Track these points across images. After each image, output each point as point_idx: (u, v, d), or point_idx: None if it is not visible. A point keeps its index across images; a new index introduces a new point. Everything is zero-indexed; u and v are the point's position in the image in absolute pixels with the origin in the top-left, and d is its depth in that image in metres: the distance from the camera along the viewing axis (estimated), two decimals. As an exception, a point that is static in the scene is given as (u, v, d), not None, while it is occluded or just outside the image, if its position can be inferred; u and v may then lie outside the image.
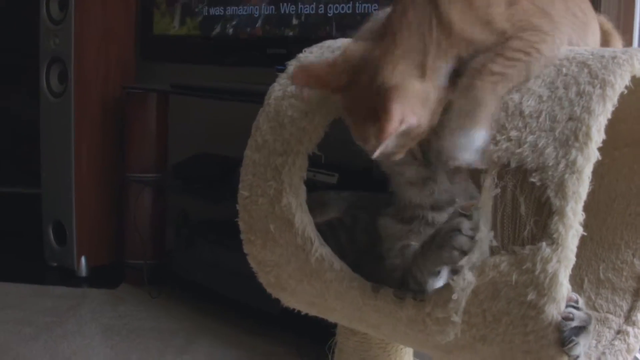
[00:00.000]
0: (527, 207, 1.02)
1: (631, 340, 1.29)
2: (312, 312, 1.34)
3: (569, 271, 0.99)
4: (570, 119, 1.03)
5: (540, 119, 1.05)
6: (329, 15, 2.39)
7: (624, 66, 1.07)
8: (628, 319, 1.31)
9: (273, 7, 2.57)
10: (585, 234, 1.34)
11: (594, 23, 1.24)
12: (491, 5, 1.08)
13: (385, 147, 1.03)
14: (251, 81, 2.46)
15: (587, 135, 1.01)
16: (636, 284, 1.33)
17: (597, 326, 1.32)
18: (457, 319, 1.06)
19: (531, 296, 0.99)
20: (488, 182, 1.05)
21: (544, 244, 0.99)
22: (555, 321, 0.99)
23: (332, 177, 2.25)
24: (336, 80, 1.09)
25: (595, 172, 1.34)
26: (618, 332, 1.30)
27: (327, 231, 1.27)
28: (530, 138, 1.04)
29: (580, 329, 1.01)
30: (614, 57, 1.09)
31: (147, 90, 2.96)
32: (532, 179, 1.01)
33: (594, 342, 1.29)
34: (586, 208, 1.37)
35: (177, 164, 2.90)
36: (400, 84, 1.02)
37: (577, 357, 1.02)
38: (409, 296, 1.13)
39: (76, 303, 2.83)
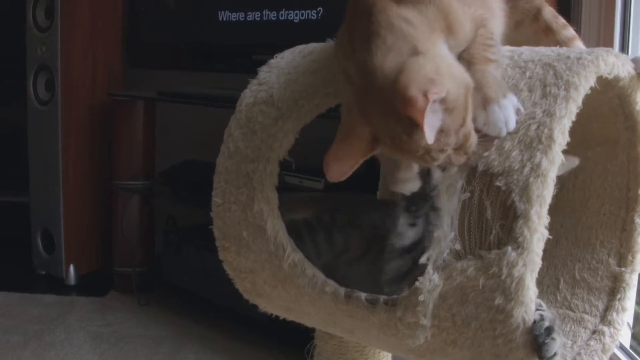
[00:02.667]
0: (493, 212, 1.02)
1: (607, 340, 1.28)
2: (289, 317, 1.34)
3: (535, 275, 0.99)
4: (534, 121, 1.03)
5: (505, 123, 1.05)
6: (312, 19, 2.40)
7: (588, 67, 1.07)
8: (604, 318, 1.31)
9: (258, 13, 2.57)
10: (559, 233, 1.38)
11: (495, 5, 1.23)
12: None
13: (433, 129, 0.96)
14: (237, 88, 2.46)
15: (551, 137, 1.01)
16: (612, 283, 1.33)
17: (572, 326, 1.32)
18: (425, 322, 1.06)
19: (498, 300, 0.99)
20: (449, 183, 1.05)
21: (509, 248, 0.99)
22: (523, 324, 0.99)
23: (318, 182, 2.25)
24: (363, 135, 1.02)
25: (569, 172, 1.35)
26: (594, 332, 1.30)
27: (305, 229, 1.27)
28: (496, 141, 1.04)
29: (551, 329, 1.01)
30: (579, 58, 1.09)
31: (134, 97, 2.96)
32: (498, 183, 1.02)
33: (569, 342, 1.29)
34: (560, 208, 1.39)
35: (164, 171, 2.89)
36: (399, 71, 0.97)
37: (555, 354, 1.02)
38: (380, 301, 1.12)
39: (65, 311, 2.83)
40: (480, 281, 1.01)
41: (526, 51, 1.16)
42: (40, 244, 3.14)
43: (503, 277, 0.99)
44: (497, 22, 1.23)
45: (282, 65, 1.33)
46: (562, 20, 1.30)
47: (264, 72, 1.34)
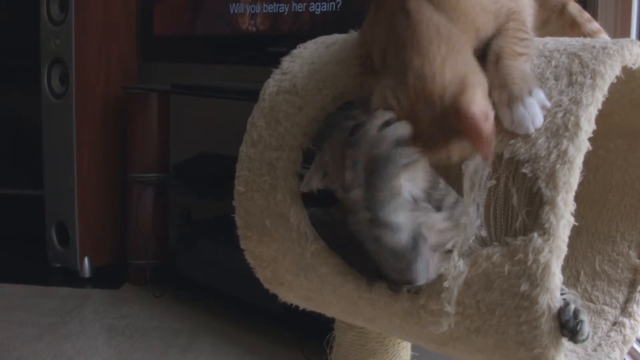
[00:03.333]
0: (519, 198, 1.03)
1: (627, 331, 1.29)
2: (309, 307, 1.34)
3: (561, 261, 1.00)
4: (560, 109, 1.04)
5: (532, 110, 1.05)
6: (328, 11, 2.40)
7: (614, 56, 1.07)
8: (624, 310, 1.31)
9: (272, 5, 2.57)
10: (580, 225, 1.38)
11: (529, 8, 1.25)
12: None
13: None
14: (251, 80, 2.47)
15: (577, 125, 1.01)
16: (632, 275, 1.33)
17: (593, 318, 1.32)
18: (450, 309, 1.07)
19: (524, 287, 1.00)
20: (473, 171, 1.06)
21: (535, 234, 0.99)
22: (548, 311, 1.00)
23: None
24: None
25: (590, 164, 1.36)
26: (614, 323, 1.31)
27: (327, 220, 1.27)
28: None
29: (577, 311, 1.02)
30: (604, 48, 1.09)
31: (147, 90, 2.96)
32: (524, 170, 1.02)
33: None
34: (581, 200, 1.38)
35: (179, 164, 2.90)
36: (463, 84, 0.99)
37: (588, 335, 1.03)
38: (403, 289, 1.13)
39: (79, 303, 2.84)
40: (505, 267, 1.01)
41: (551, 41, 1.16)
42: (55, 237, 3.16)
43: (529, 263, 0.99)
44: (528, 16, 1.24)
45: (305, 55, 1.34)
46: (587, 14, 1.31)
47: (287, 62, 1.34)
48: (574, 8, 1.30)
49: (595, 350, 1.27)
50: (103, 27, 3.04)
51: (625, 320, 1.30)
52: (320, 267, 1.21)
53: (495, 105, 1.04)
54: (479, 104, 0.98)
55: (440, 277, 1.06)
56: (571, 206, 1.00)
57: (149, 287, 2.90)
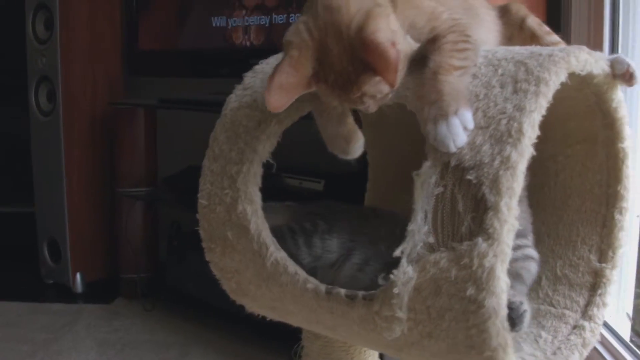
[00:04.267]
0: (465, 204, 1.04)
1: (587, 334, 1.30)
2: (275, 316, 1.36)
3: (506, 265, 1.01)
4: (504, 116, 1.05)
5: (478, 118, 1.07)
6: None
7: (559, 63, 1.09)
8: (584, 313, 1.33)
9: (256, 18, 2.60)
10: (541, 230, 1.40)
11: (487, 17, 1.31)
12: None
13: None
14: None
15: (520, 131, 1.03)
16: (592, 279, 1.34)
17: (553, 322, 1.34)
18: (401, 314, 1.08)
19: (470, 291, 1.02)
20: (423, 179, 1.08)
21: (480, 239, 1.01)
22: (495, 315, 1.01)
23: (318, 184, 2.27)
24: (305, 71, 1.09)
25: (550, 170, 1.38)
26: (574, 327, 1.32)
27: (287, 234, 1.30)
28: (469, 137, 1.07)
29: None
30: (550, 55, 1.11)
31: (134, 105, 3.00)
32: (469, 177, 1.04)
33: (549, 337, 1.31)
34: (542, 206, 1.41)
35: (168, 177, 2.93)
36: (367, 15, 1.04)
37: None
38: (359, 296, 1.15)
39: (72, 319, 2.86)
40: (452, 272, 1.03)
41: (501, 50, 1.18)
42: (47, 253, 3.19)
43: (474, 267, 1.01)
44: (484, 31, 1.27)
45: (267, 71, 1.36)
46: (546, 27, 1.34)
47: (248, 78, 1.37)
48: (533, 22, 1.33)
49: (554, 353, 1.28)
50: (88, 43, 3.07)
51: (586, 324, 1.31)
52: (280, 277, 1.23)
53: (424, 121, 1.07)
54: (384, 32, 1.02)
55: (391, 284, 1.08)
56: (515, 211, 1.01)
57: (140, 300, 2.92)
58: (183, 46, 2.94)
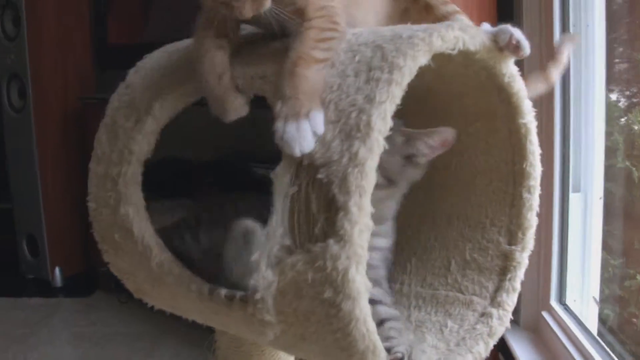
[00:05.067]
0: (318, 205, 0.99)
1: (494, 322, 1.24)
2: (178, 313, 1.33)
3: (362, 267, 0.96)
4: (354, 109, 0.99)
5: (330, 112, 1.01)
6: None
7: (417, 46, 1.02)
8: (493, 300, 1.26)
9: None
10: (450, 212, 1.34)
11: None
12: None
13: None
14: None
15: (369, 125, 0.96)
16: (502, 262, 1.28)
17: (460, 310, 1.28)
18: (270, 318, 1.04)
19: (327, 294, 0.97)
20: (279, 178, 1.02)
21: (331, 240, 0.96)
22: (355, 319, 0.97)
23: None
24: None
25: (454, 150, 1.31)
26: (482, 314, 1.26)
27: (173, 231, 1.26)
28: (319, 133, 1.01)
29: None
30: (410, 37, 1.04)
31: (105, 99, 2.95)
32: (320, 175, 0.98)
33: (455, 326, 1.26)
34: (449, 187, 1.35)
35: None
36: None
37: None
38: (237, 297, 1.10)
39: (50, 313, 2.88)
40: (309, 275, 0.98)
41: (365, 33, 1.11)
42: (26, 248, 3.20)
43: (328, 270, 0.96)
44: (362, 10, 1.21)
45: (148, 66, 1.32)
46: (450, 4, 1.26)
47: (131, 75, 1.33)
48: None
49: (458, 344, 1.22)
50: (57, 39, 3.05)
51: (494, 311, 1.25)
52: (166, 278, 1.20)
53: (275, 115, 1.01)
54: None
55: (254, 289, 1.04)
56: (367, 210, 0.96)
57: (115, 293, 2.92)
58: (152, 39, 2.89)
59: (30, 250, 3.19)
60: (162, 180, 2.66)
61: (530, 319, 2.10)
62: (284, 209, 1.01)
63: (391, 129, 1.04)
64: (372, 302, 1.04)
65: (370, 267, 1.03)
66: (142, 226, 1.21)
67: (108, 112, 1.29)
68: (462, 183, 1.33)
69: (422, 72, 1.23)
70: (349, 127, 0.98)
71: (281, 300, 1.02)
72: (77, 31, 3.11)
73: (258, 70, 1.10)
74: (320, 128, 1.00)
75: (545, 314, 2.02)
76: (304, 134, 0.99)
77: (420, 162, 1.19)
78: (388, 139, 1.01)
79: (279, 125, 1.00)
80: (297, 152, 0.99)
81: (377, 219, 1.01)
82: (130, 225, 1.21)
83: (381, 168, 1.08)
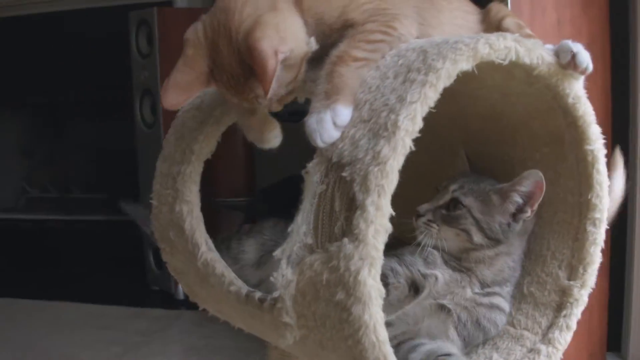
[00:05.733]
0: (341, 203, 0.98)
1: (541, 359, 1.16)
2: (223, 317, 1.34)
3: (376, 270, 0.93)
4: (386, 108, 0.97)
5: (363, 111, 1.00)
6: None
7: (460, 50, 0.99)
8: (544, 336, 1.19)
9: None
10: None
11: (457, 20, 1.22)
12: None
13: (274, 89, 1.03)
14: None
15: (395, 124, 0.94)
16: (559, 298, 1.20)
17: (509, 343, 1.20)
18: (288, 319, 1.02)
19: (340, 296, 0.94)
20: (309, 176, 1.01)
21: (346, 240, 0.94)
22: (365, 326, 0.93)
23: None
24: (200, 69, 1.08)
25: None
26: (530, 350, 1.18)
27: (220, 244, 1.30)
28: (352, 131, 1.00)
29: None
30: (456, 42, 1.01)
31: (232, 116, 3.05)
32: (344, 174, 0.97)
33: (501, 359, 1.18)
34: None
35: (265, 188, 2.96)
36: (256, 22, 1.02)
37: None
38: (267, 299, 1.09)
39: (168, 324, 2.95)
40: (324, 275, 0.96)
41: (422, 40, 1.09)
42: (152, 260, 3.32)
43: (341, 270, 0.94)
44: (439, 31, 1.19)
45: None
46: (526, 30, 1.23)
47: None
48: (511, 22, 1.23)
49: (499, 377, 1.15)
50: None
51: (543, 348, 1.17)
52: (210, 278, 1.21)
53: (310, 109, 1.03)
54: (268, 40, 0.99)
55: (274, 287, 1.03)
56: (386, 211, 0.93)
57: (235, 307, 2.97)
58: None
59: (156, 263, 3.30)
60: (289, 197, 2.72)
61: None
62: (310, 208, 1.01)
63: (484, 191, 1.13)
64: None
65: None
66: (193, 224, 1.24)
67: (179, 114, 1.33)
68: (527, 213, 1.26)
69: (489, 91, 1.20)
70: (377, 126, 0.97)
71: (301, 301, 1.00)
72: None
73: (310, 74, 1.11)
74: (342, 119, 1.00)
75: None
76: (325, 125, 1.00)
77: (527, 218, 1.17)
78: (483, 201, 1.12)
79: (306, 118, 1.02)
80: (319, 143, 1.01)
81: (494, 280, 1.13)
82: (182, 223, 1.24)
83: (482, 230, 1.14)
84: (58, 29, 3.68)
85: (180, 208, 1.25)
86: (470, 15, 1.27)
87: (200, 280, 1.24)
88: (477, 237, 1.14)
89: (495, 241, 1.15)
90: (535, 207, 1.15)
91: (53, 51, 3.66)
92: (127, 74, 3.21)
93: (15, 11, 3.71)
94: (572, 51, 1.08)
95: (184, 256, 1.26)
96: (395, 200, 0.94)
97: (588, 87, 1.16)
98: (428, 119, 0.96)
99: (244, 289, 1.15)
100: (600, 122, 1.18)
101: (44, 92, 3.82)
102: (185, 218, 1.24)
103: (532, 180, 1.14)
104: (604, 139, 1.17)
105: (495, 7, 1.28)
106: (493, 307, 1.17)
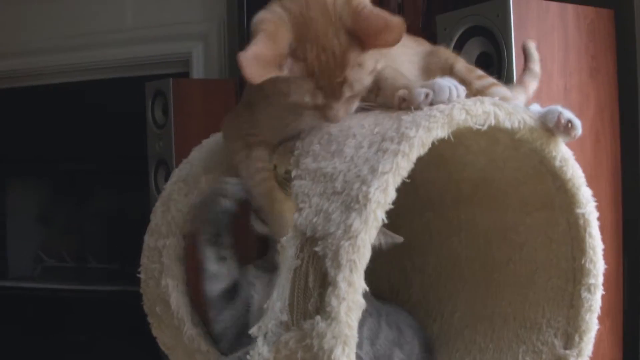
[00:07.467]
0: (314, 279, 0.95)
1: None
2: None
3: (350, 349, 0.90)
4: (358, 179, 0.95)
5: (337, 183, 0.98)
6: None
7: (434, 117, 0.98)
8: (543, 409, 1.13)
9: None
10: (507, 311, 1.24)
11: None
12: None
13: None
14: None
15: (366, 196, 0.92)
16: (554, 368, 1.15)
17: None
18: (264, 399, 0.99)
19: (314, 377, 0.91)
20: (285, 251, 0.99)
21: (319, 317, 0.91)
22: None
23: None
24: (283, 44, 0.98)
25: (514, 243, 1.23)
26: None
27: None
28: (325, 204, 0.97)
29: None
30: (431, 109, 0.99)
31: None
32: (316, 248, 0.94)
33: None
34: (508, 284, 1.26)
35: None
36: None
37: None
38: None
39: None
40: (299, 354, 0.93)
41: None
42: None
43: (315, 349, 0.91)
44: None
45: (211, 141, 1.35)
46: (478, 71, 1.20)
47: (195, 151, 1.35)
48: (462, 68, 1.20)
49: None
50: (203, 127, 3.16)
51: None
52: (195, 354, 1.18)
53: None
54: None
55: (249, 365, 0.99)
56: (359, 286, 0.90)
57: None
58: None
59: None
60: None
61: None
62: (285, 283, 0.98)
63: None
64: None
65: None
66: (179, 298, 1.21)
67: (166, 186, 1.32)
68: (521, 280, 1.22)
69: (476, 156, 1.18)
70: (349, 199, 0.94)
71: (281, 380, 0.97)
72: (222, 119, 3.23)
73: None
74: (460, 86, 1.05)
75: None
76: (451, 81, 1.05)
77: None
78: None
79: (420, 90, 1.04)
80: (454, 93, 1.03)
81: None
82: (168, 298, 1.22)
83: None
84: (79, 99, 3.76)
85: (166, 282, 1.22)
86: (420, 48, 1.28)
87: (188, 356, 1.21)
88: None
89: None
90: None
91: (75, 120, 3.72)
92: (144, 144, 3.23)
93: (36, 81, 3.80)
94: (560, 114, 1.06)
95: (171, 331, 1.24)
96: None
97: (598, 156, 1.13)
98: (419, 186, 0.94)
99: (229, 364, 1.12)
100: (612, 192, 1.14)
101: (66, 160, 3.86)
102: (170, 293, 1.21)
103: None
104: (616, 211, 1.14)
105: (443, 52, 1.26)
106: None
